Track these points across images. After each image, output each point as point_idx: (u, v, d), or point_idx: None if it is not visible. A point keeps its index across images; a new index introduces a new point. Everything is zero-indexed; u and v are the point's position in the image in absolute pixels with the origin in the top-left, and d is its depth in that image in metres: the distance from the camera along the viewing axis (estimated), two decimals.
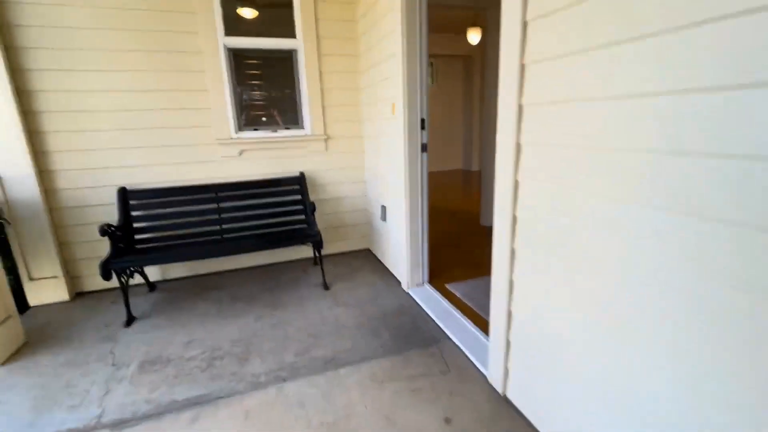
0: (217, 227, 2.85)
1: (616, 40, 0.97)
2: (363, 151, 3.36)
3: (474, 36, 5.69)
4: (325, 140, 3.21)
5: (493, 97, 3.77)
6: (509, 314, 1.54)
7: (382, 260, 3.23)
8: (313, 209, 2.77)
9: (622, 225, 1.02)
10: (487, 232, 3.90)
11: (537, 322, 1.39)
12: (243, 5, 2.86)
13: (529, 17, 1.25)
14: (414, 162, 2.46)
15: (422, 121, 2.41)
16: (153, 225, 2.75)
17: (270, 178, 3.02)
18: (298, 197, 3.08)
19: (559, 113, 1.18)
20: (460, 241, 3.68)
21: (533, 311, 1.41)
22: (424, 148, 2.45)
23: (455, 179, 7.51)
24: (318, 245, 2.67)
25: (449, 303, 2.42)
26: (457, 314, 2.28)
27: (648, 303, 0.97)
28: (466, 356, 1.93)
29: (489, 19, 3.61)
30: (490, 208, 4.04)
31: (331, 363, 1.93)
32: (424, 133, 2.44)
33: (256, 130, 3.05)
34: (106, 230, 2.34)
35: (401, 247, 2.69)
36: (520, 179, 1.39)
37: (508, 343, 1.57)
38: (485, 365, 1.80)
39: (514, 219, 1.44)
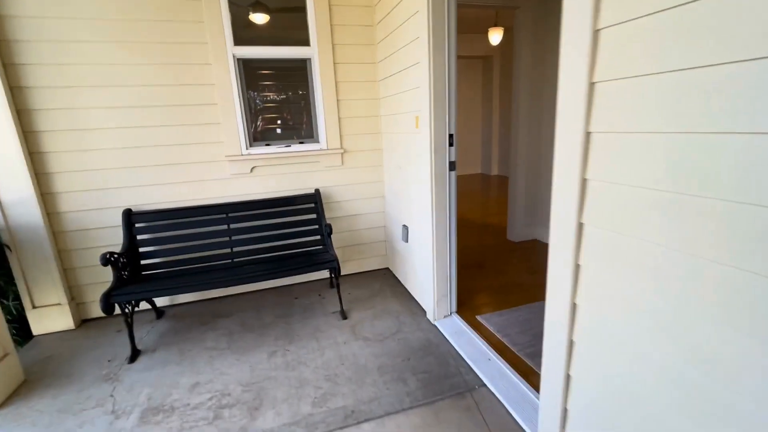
0: (228, 250, 2.67)
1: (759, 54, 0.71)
2: (381, 165, 3.13)
3: (495, 36, 5.39)
4: (342, 154, 2.99)
5: (520, 100, 3.50)
6: (567, 378, 1.29)
7: (403, 282, 3.00)
8: (330, 232, 2.55)
9: None
10: (515, 249, 3.62)
11: (616, 393, 1.14)
12: (254, 11, 2.66)
13: (603, 24, 0.99)
14: (441, 182, 2.21)
15: (450, 137, 2.17)
16: (160, 249, 2.58)
17: (283, 196, 2.82)
18: (313, 216, 2.87)
19: (643, 146, 0.93)
20: (484, 259, 3.42)
21: (609, 376, 1.15)
22: (452, 166, 2.21)
23: (474, 184, 7.21)
24: (336, 271, 2.46)
25: (482, 340, 2.16)
26: (492, 354, 2.03)
27: None
28: (508, 412, 1.67)
29: (518, 18, 3.34)
30: (519, 222, 3.80)
31: (352, 416, 1.70)
32: (453, 150, 2.19)
33: (268, 145, 2.85)
34: (108, 259, 2.17)
35: (426, 273, 2.45)
36: (585, 222, 1.13)
37: (565, 413, 1.32)
38: (533, 427, 1.54)
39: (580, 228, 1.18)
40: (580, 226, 1.15)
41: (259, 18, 2.69)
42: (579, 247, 1.16)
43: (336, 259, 2.43)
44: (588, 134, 1.08)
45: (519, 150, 3.60)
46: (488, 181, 7.62)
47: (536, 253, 3.47)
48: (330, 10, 2.74)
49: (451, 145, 2.17)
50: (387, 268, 3.34)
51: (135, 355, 2.22)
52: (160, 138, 2.58)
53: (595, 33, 1.01)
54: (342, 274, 3.23)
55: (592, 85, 1.05)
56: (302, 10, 2.72)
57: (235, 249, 2.69)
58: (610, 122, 1.01)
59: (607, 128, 1.03)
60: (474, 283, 2.93)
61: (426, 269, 2.45)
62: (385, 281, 3.09)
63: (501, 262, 3.30)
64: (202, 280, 2.31)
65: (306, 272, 2.41)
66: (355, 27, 2.83)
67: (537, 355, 2.00)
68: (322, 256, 2.58)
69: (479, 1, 3.15)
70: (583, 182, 1.12)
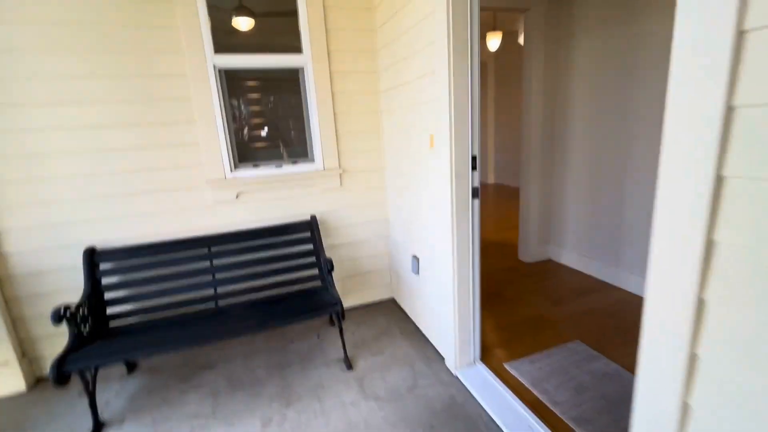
0: (211, 291, 2.29)
1: None
2: (384, 186, 2.79)
3: (494, 41, 5.13)
4: (340, 175, 2.65)
5: (532, 108, 3.21)
6: None
7: (412, 318, 2.65)
8: (331, 269, 2.19)
9: None
10: (530, 273, 3.32)
11: None
12: (237, 14, 2.31)
13: (753, 23, 0.68)
14: (463, 211, 1.89)
15: (473, 159, 1.84)
16: (130, 294, 2.18)
17: (274, 225, 2.45)
18: (310, 247, 2.51)
19: None
20: (500, 286, 3.10)
21: None
22: (475, 193, 1.88)
23: None
24: (339, 315, 2.10)
25: (515, 397, 1.83)
26: (531, 418, 1.70)
27: None
28: None
29: (529, 20, 3.05)
30: (531, 240, 3.51)
31: None
32: (477, 174, 1.87)
33: (256, 166, 2.48)
34: (62, 315, 1.77)
35: (444, 315, 2.12)
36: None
37: None
38: None
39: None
40: (701, 303, 0.83)
41: (244, 23, 2.34)
42: (697, 331, 0.84)
43: (339, 302, 2.07)
44: (720, 179, 0.76)
45: (531, 162, 3.31)
46: (487, 190, 7.35)
47: (554, 277, 3.18)
48: (325, 12, 2.41)
49: (474, 168, 1.85)
50: (392, 299, 3.00)
51: (98, 430, 1.82)
52: (129, 163, 2.20)
53: (740, 35, 0.70)
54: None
55: (730, 110, 0.73)
56: (293, 13, 2.38)
57: (220, 289, 2.31)
58: (756, 162, 0.70)
59: (751, 172, 0.71)
60: (494, 318, 2.61)
61: (444, 310, 2.11)
62: (392, 316, 2.74)
63: (519, 290, 2.99)
64: (181, 335, 1.92)
65: (304, 319, 2.04)
66: (354, 31, 2.50)
67: (585, 419, 1.67)
68: (322, 296, 2.22)
69: (491, 2, 2.85)
70: (709, 244, 0.80)
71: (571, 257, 3.35)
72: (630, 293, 2.81)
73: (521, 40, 6.41)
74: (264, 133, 2.53)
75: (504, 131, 7.24)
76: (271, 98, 2.52)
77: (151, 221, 2.29)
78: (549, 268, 3.39)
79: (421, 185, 2.21)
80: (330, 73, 2.49)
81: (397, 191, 2.59)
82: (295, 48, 2.41)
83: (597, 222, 3.05)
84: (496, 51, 6.94)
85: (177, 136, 2.26)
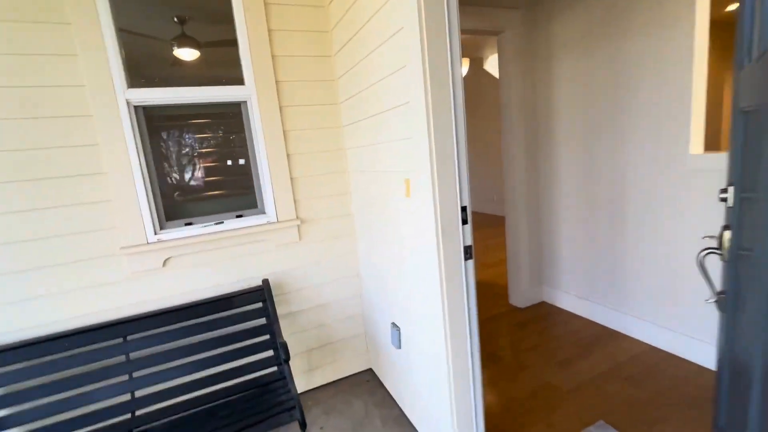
0: (127, 397, 1.72)
1: None
2: (354, 234, 2.35)
3: (463, 68, 4.93)
4: (298, 226, 2.18)
5: (512, 135, 2.92)
6: None
7: (396, 398, 2.15)
8: (287, 358, 1.68)
9: None
10: (526, 322, 2.91)
11: None
12: (178, 45, 1.87)
13: None
14: (454, 276, 1.46)
15: (463, 210, 1.44)
16: (11, 414, 1.57)
17: (215, 297, 1.93)
18: (262, 322, 2.00)
19: None
20: (493, 341, 2.67)
21: None
22: (468, 252, 1.47)
23: None
24: (301, 424, 1.58)
25: None
26: None
27: None
28: None
29: (503, 43, 2.79)
30: (523, 281, 3.11)
31: None
32: (468, 229, 1.46)
33: (189, 224, 1.98)
34: None
35: (438, 402, 1.64)
36: None
37: None
38: None
39: None
40: None
41: (166, 53, 1.89)
42: None
43: (297, 405, 1.56)
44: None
45: (517, 194, 2.98)
46: None
47: (553, 327, 2.78)
48: (270, 36, 2.01)
49: (465, 222, 1.44)
50: (370, 370, 2.49)
51: None
52: (14, 231, 1.64)
53: None
54: (311, 387, 2.33)
55: None
56: (232, 44, 1.96)
57: (138, 393, 1.74)
58: None
59: None
60: (494, 391, 2.15)
61: (437, 396, 1.64)
62: (370, 398, 2.23)
63: (516, 347, 2.56)
64: None
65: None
66: (308, 58, 2.11)
67: None
68: (277, 395, 1.70)
69: (463, 25, 2.57)
70: None
71: (568, 300, 2.99)
72: (640, 342, 2.45)
73: (487, 66, 6.36)
74: (200, 182, 2.05)
75: (478, 159, 7.05)
76: (210, 140, 2.06)
77: (41, 307, 1.71)
78: (545, 313, 3.00)
79: (397, 242, 1.78)
80: (280, 107, 2.07)
81: (370, 244, 2.15)
82: (236, 79, 1.99)
83: (595, 259, 2.72)
84: (464, 78, 6.84)
85: (79, 194, 1.73)
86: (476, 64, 6.44)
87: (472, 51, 6.03)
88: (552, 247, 3.06)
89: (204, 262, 1.99)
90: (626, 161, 2.40)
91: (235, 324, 1.92)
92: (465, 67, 4.97)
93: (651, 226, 2.32)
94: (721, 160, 1.94)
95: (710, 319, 2.09)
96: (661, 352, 2.33)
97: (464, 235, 1.45)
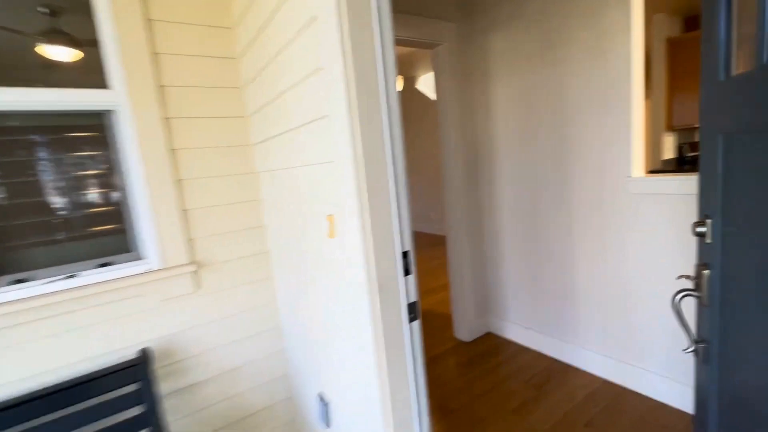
0: None
1: None
2: (273, 276, 1.90)
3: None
4: (194, 272, 1.68)
5: (450, 152, 2.70)
6: None
7: None
8: None
9: None
10: (474, 359, 2.64)
11: None
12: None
13: None
14: (395, 342, 1.10)
15: (405, 256, 1.09)
16: None
17: (65, 383, 1.36)
18: (139, 411, 1.45)
19: None
20: (442, 387, 2.35)
21: None
22: (413, 312, 1.12)
23: None
24: None
25: None
26: None
27: None
28: None
29: (440, 56, 2.58)
30: (468, 313, 2.83)
31: None
32: (411, 280, 1.11)
33: (20, 281, 1.39)
34: None
35: None
36: None
37: None
38: None
39: None
40: None
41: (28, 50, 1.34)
42: None
43: None
44: None
45: (457, 215, 2.74)
46: None
47: (503, 363, 2.54)
48: (151, 28, 1.54)
49: (407, 273, 1.09)
50: None
51: None
52: None
53: None
54: None
55: None
56: (92, 45, 1.45)
57: None
58: None
59: None
60: None
61: None
62: None
63: (467, 393, 2.26)
64: None
65: None
66: (205, 59, 1.66)
67: None
68: None
69: (399, 34, 2.30)
70: None
71: (515, 330, 2.79)
72: (593, 376, 2.30)
73: (419, 85, 6.30)
74: (43, 219, 1.47)
75: (415, 178, 6.91)
76: (60, 163, 1.50)
77: None
78: (493, 347, 2.76)
79: (321, 292, 1.38)
80: (166, 118, 1.58)
81: (290, 293, 1.72)
82: (97, 82, 1.47)
83: (540, 288, 2.55)
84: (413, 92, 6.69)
85: None
86: (409, 84, 6.36)
87: (405, 69, 5.93)
88: (497, 275, 2.86)
89: (51, 332, 1.40)
90: (570, 185, 2.27)
91: (94, 421, 1.36)
92: (399, 84, 4.80)
93: (599, 253, 2.19)
94: (666, 183, 1.85)
95: (665, 352, 1.98)
96: (615, 386, 2.18)
97: (408, 289, 1.10)
